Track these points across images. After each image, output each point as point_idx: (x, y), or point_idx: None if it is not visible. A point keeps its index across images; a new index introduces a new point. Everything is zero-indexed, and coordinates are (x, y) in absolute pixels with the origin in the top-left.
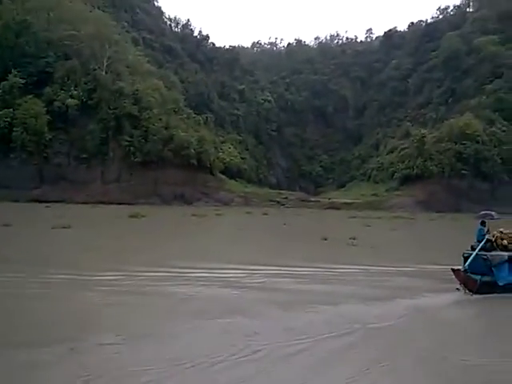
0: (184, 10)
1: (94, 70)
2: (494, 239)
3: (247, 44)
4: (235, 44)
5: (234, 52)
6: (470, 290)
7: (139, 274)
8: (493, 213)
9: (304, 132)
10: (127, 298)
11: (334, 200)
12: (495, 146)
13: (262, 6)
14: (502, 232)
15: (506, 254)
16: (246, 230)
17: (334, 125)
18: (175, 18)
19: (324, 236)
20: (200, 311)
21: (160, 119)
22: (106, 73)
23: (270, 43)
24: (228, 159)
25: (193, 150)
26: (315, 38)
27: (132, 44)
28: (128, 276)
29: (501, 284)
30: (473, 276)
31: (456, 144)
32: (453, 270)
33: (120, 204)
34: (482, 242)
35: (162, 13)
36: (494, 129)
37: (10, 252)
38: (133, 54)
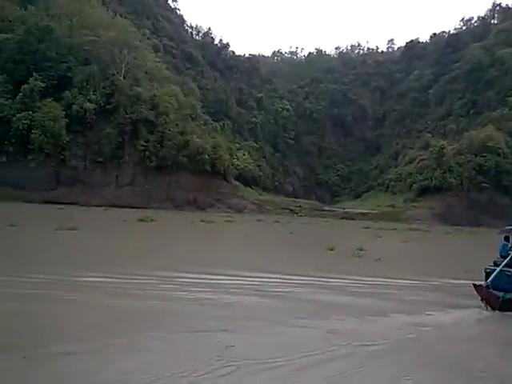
0: (206, 18)
1: (113, 75)
2: None
3: (268, 53)
4: (256, 53)
5: (254, 60)
6: (491, 307)
7: (124, 276)
8: None
9: (322, 141)
10: (100, 300)
11: (349, 210)
12: None
13: (283, 15)
14: None
15: None
16: (251, 237)
17: (352, 134)
18: (196, 26)
19: (330, 246)
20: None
21: (176, 125)
22: (124, 78)
23: (291, 52)
24: (242, 166)
25: (207, 156)
26: (336, 48)
27: (152, 51)
28: (111, 278)
29: None
30: (495, 292)
31: (476, 156)
32: (474, 285)
33: (133, 208)
34: (508, 258)
35: (183, 21)
36: None
37: None
38: (151, 61)
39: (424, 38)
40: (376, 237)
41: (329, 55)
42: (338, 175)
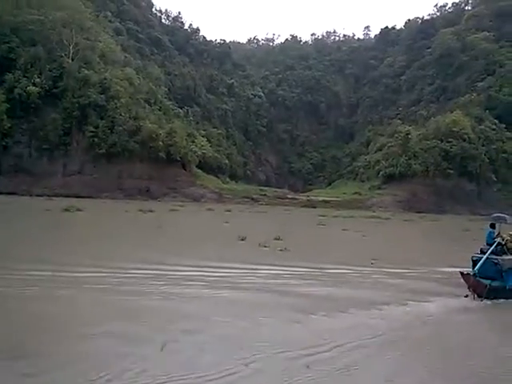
0: (176, 3)
1: (61, 57)
2: (504, 243)
3: (243, 40)
4: (230, 39)
5: (225, 46)
6: (478, 296)
7: None
8: (506, 216)
9: (295, 128)
10: None
11: (313, 198)
12: (483, 145)
13: (259, 1)
14: (511, 235)
15: None
16: (161, 227)
17: (326, 122)
18: (166, 10)
19: (243, 236)
20: None
21: (129, 110)
22: (73, 60)
23: (267, 39)
24: (200, 153)
25: (161, 143)
26: (311, 35)
27: (112, 33)
28: None
29: (508, 288)
30: (482, 280)
31: (442, 142)
32: (462, 273)
33: (80, 197)
34: (493, 246)
35: (151, 5)
36: (483, 127)
37: None
38: (104, 43)
39: (400, 24)
40: (319, 225)
41: (304, 42)
42: (312, 163)
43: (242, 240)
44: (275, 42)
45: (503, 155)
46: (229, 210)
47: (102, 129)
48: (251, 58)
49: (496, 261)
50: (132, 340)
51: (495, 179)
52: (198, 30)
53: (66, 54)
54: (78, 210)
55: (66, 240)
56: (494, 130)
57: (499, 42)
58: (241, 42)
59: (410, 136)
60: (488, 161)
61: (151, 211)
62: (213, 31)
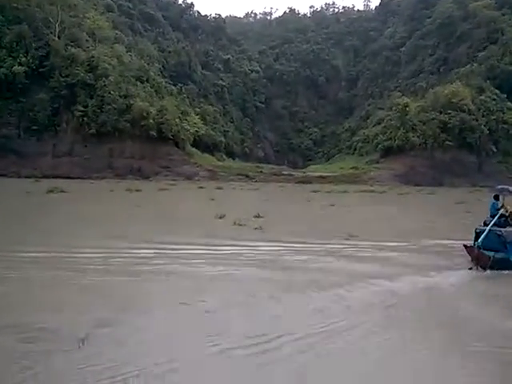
0: None
1: (47, 35)
2: (507, 214)
3: (240, 14)
4: (227, 14)
5: (220, 20)
6: (482, 267)
7: None
8: (510, 188)
9: (294, 104)
10: None
11: (309, 174)
12: (483, 116)
13: None
14: None
15: None
16: (148, 206)
17: (325, 96)
18: None
19: (222, 214)
20: None
21: (119, 88)
22: (59, 38)
23: (264, 13)
24: (192, 131)
25: (152, 121)
26: (310, 7)
27: (104, 10)
28: None
29: None
30: (486, 253)
31: (441, 114)
32: (465, 246)
33: (70, 178)
34: (496, 217)
35: None
36: (483, 97)
37: None
38: (91, 19)
39: None
40: (308, 201)
41: (302, 15)
42: (311, 139)
43: (220, 218)
44: (273, 16)
45: (504, 126)
46: (220, 188)
47: (92, 108)
48: (248, 32)
49: (500, 232)
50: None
51: (495, 150)
52: (192, 4)
53: (52, 32)
54: (62, 191)
55: (32, 221)
56: (494, 100)
57: (501, 9)
58: (238, 16)
59: (408, 108)
60: (488, 132)
61: (138, 190)
62: (208, 6)
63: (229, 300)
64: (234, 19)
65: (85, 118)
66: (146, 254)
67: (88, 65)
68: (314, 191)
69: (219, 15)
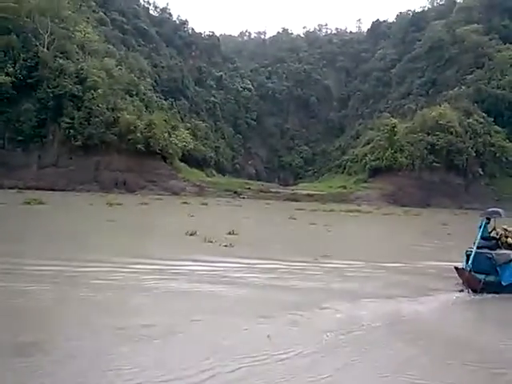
0: None
1: (36, 46)
2: (498, 237)
3: (235, 33)
4: (221, 32)
5: (214, 38)
6: (473, 290)
7: None
8: (500, 210)
9: (285, 122)
10: None
11: (297, 191)
12: (471, 138)
13: None
14: (506, 230)
15: (511, 252)
16: (122, 221)
17: (316, 115)
18: (154, 1)
19: (194, 231)
20: None
21: (108, 101)
22: (48, 49)
23: (258, 32)
24: (181, 145)
25: (139, 135)
26: (303, 28)
27: (97, 24)
28: None
29: (504, 284)
30: (477, 275)
31: (428, 135)
32: (456, 268)
33: (54, 190)
34: (478, 236)
35: None
36: (470, 120)
37: None
38: (83, 32)
39: (392, 17)
40: (290, 219)
41: (295, 35)
42: (302, 157)
43: (191, 235)
44: (267, 36)
45: (491, 149)
46: (205, 204)
47: (79, 120)
48: (242, 51)
49: (490, 255)
50: None
51: (482, 173)
52: (186, 21)
53: (41, 43)
54: (41, 203)
55: None
56: (481, 123)
57: (489, 34)
58: (232, 35)
59: (396, 129)
60: (475, 154)
61: (119, 204)
62: (203, 23)
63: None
64: (228, 37)
65: (71, 130)
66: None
67: (76, 77)
68: (300, 209)
69: (213, 33)
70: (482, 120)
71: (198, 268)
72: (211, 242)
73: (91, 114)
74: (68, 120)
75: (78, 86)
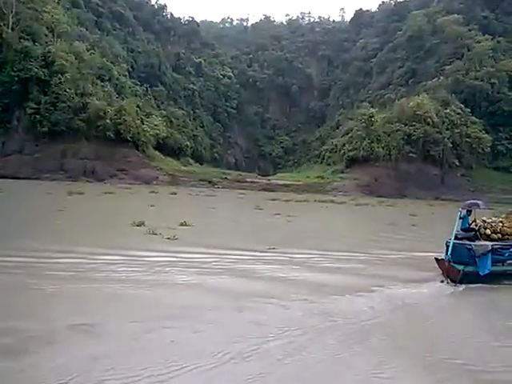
0: None
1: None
2: (477, 228)
3: (217, 19)
4: (203, 18)
5: (194, 24)
6: (452, 280)
7: None
8: (479, 202)
9: (266, 111)
10: None
11: (273, 181)
12: (447, 129)
13: None
14: (484, 221)
15: (489, 243)
16: (73, 211)
17: (297, 105)
18: None
19: (142, 221)
20: None
21: (77, 85)
22: (13, 30)
23: (241, 19)
24: (152, 133)
25: (109, 121)
26: (285, 15)
27: (69, 6)
28: None
29: (481, 274)
30: (456, 266)
31: (405, 125)
32: (436, 259)
33: (17, 178)
34: (457, 227)
35: None
36: (448, 111)
37: None
38: (51, 14)
39: (375, 6)
40: (255, 209)
41: (278, 22)
42: (282, 147)
43: (138, 226)
44: (249, 22)
45: (467, 140)
46: (174, 193)
47: (45, 105)
48: (223, 37)
49: (470, 246)
50: None
51: (458, 164)
52: (165, 6)
53: (5, 24)
54: None
55: None
56: (458, 114)
57: (468, 24)
58: (214, 21)
59: (373, 119)
60: (451, 145)
61: (81, 193)
62: (184, 9)
63: None
64: (209, 24)
65: (37, 116)
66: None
67: (43, 60)
68: (272, 199)
69: (193, 18)
70: (459, 111)
71: (116, 259)
72: (155, 233)
73: (58, 99)
74: (34, 105)
75: (44, 70)
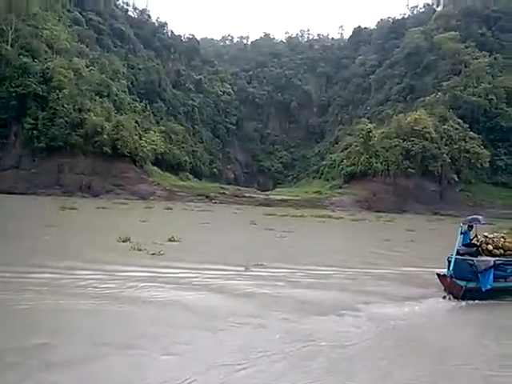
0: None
1: None
2: (479, 244)
3: (217, 37)
4: (204, 36)
5: (194, 41)
6: (454, 297)
7: None
8: (480, 217)
9: (265, 127)
10: None
11: (271, 196)
12: (446, 145)
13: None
14: (486, 237)
15: (491, 259)
16: (63, 226)
17: (296, 121)
18: (133, 3)
19: (128, 237)
20: None
21: (76, 101)
22: (12, 46)
23: (241, 37)
24: (149, 148)
25: (106, 136)
26: (285, 33)
27: (71, 23)
28: None
29: (483, 289)
30: (458, 282)
31: (404, 141)
32: (438, 275)
33: (13, 194)
34: (459, 242)
35: None
36: (446, 126)
37: None
38: (51, 31)
39: (373, 24)
40: (250, 225)
41: (276, 40)
42: (281, 162)
43: (124, 241)
44: (249, 40)
45: (466, 155)
46: (169, 209)
47: (43, 121)
48: (224, 55)
49: (472, 262)
50: None
51: (457, 179)
52: (165, 23)
53: (5, 41)
54: None
55: None
56: (457, 129)
57: (466, 41)
58: (215, 38)
59: (371, 134)
60: (450, 161)
61: (73, 209)
62: (185, 27)
63: None
64: (210, 41)
65: (34, 131)
66: None
67: (41, 76)
68: (268, 214)
69: (193, 35)
70: (457, 126)
71: (91, 274)
72: (140, 249)
73: (56, 114)
74: (31, 120)
75: (42, 86)
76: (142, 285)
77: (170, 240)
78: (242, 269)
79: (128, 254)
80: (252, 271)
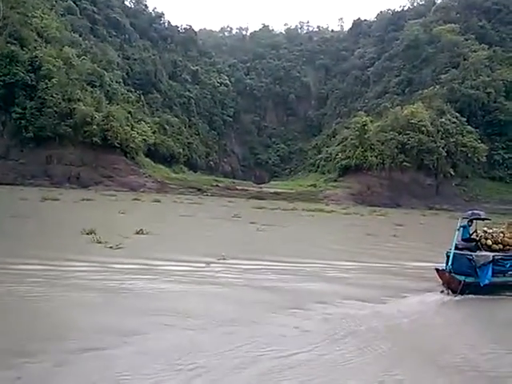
0: None
1: None
2: (478, 239)
3: (216, 28)
4: (202, 27)
5: (191, 32)
6: (453, 291)
7: None
8: (480, 212)
9: (263, 119)
10: None
11: (264, 189)
12: (442, 138)
13: None
14: (485, 232)
15: (490, 254)
16: (34, 218)
17: (294, 113)
18: None
19: (93, 229)
20: None
21: (66, 91)
22: (0, 34)
23: (240, 28)
24: (140, 139)
25: (96, 127)
26: (284, 25)
27: (64, 12)
28: None
29: (482, 284)
30: (457, 277)
31: (400, 134)
32: (437, 270)
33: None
34: (457, 237)
35: None
36: (443, 119)
37: None
38: (41, 19)
39: (373, 16)
40: (234, 218)
41: (275, 31)
42: (278, 155)
43: (88, 234)
44: (248, 31)
45: (462, 149)
46: (157, 201)
47: (31, 111)
48: (221, 46)
49: (470, 257)
50: None
51: (453, 173)
52: (162, 14)
53: None
54: None
55: None
56: (454, 123)
57: (465, 34)
58: (213, 30)
59: (366, 127)
60: (446, 154)
61: (55, 200)
62: (184, 19)
63: None
64: (209, 32)
65: (23, 121)
66: None
67: (30, 65)
68: (258, 208)
69: (190, 26)
70: (454, 120)
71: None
72: (100, 242)
73: (45, 104)
74: (19, 110)
75: (31, 75)
76: (73, 281)
77: (137, 233)
78: (203, 264)
79: (83, 247)
80: (214, 265)
